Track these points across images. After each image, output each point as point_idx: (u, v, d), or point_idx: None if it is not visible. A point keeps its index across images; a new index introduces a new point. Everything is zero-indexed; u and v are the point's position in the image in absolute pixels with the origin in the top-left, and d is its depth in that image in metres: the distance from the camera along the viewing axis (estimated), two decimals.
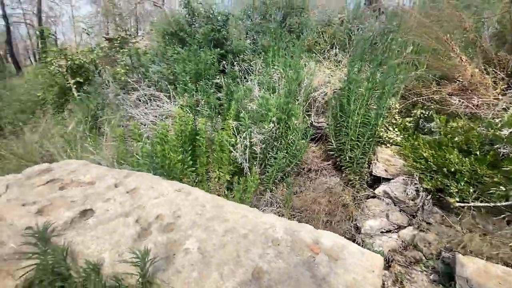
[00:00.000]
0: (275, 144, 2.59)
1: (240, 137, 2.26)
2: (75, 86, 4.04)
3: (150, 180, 1.49)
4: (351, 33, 4.05)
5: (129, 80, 4.30)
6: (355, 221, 2.15)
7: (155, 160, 1.73)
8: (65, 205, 1.21)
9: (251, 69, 3.74)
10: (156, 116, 3.87)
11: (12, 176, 1.38)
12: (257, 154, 2.40)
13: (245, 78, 3.66)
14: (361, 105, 2.43)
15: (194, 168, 2.28)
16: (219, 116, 3.11)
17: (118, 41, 5.65)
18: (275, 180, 2.49)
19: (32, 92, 4.99)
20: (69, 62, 3.98)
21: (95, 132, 2.82)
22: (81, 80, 4.11)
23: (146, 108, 4.03)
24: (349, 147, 2.55)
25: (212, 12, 3.95)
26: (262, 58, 3.85)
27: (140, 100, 4.18)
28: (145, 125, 3.71)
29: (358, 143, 2.47)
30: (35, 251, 1.07)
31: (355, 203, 2.34)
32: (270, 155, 2.52)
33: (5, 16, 14.08)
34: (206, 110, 3.19)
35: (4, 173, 2.81)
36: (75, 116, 3.53)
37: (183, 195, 1.39)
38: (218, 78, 3.44)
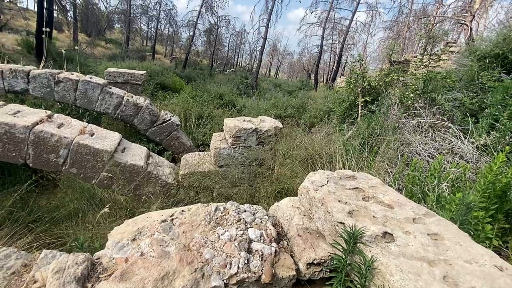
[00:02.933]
0: None
1: None
2: (362, 104, 4.59)
3: (455, 233, 1.24)
4: None
5: (414, 104, 4.12)
6: None
7: (458, 210, 1.43)
8: (368, 217, 1.32)
9: None
10: (436, 149, 3.39)
11: (330, 172, 1.75)
12: None
13: None
14: None
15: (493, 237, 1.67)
16: None
17: (403, 64, 5.55)
18: None
19: (326, 104, 6.43)
20: (365, 84, 4.57)
21: (375, 149, 2.99)
22: (369, 99, 4.59)
23: (426, 137, 3.67)
24: None
25: None
26: None
27: (420, 127, 3.88)
28: (419, 155, 3.39)
29: None
30: (341, 244, 1.27)
31: None
32: None
33: (321, 46, 19.31)
34: None
35: (295, 159, 3.85)
36: (357, 129, 4.03)
37: (509, 279, 1.01)
38: None
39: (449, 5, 16.78)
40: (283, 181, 3.07)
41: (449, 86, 4.09)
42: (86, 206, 3.03)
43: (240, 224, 1.46)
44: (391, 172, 2.72)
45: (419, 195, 1.92)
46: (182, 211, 1.54)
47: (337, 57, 19.48)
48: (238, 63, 37.85)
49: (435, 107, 3.96)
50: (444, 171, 2.55)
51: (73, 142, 2.80)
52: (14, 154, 2.74)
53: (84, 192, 3.19)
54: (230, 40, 30.71)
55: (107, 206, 2.51)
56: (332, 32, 22.20)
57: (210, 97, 8.97)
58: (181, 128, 5.88)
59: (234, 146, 3.37)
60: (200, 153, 3.66)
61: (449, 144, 3.29)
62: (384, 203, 1.45)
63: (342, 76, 17.26)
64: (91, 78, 4.82)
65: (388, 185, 2.32)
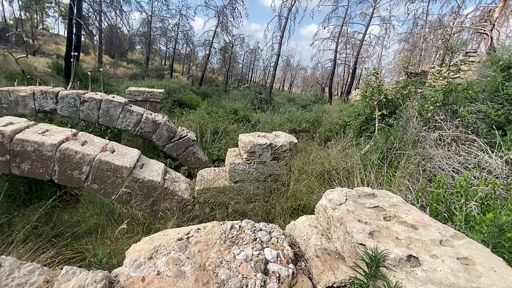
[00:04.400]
0: None
1: None
2: (379, 117, 4.50)
3: (488, 257, 1.15)
4: None
5: (435, 117, 3.98)
6: None
7: (490, 232, 1.33)
8: (390, 238, 1.26)
9: None
10: (461, 163, 3.23)
11: (348, 190, 1.70)
12: None
13: None
14: None
15: None
16: None
17: (420, 75, 5.43)
18: None
19: (342, 118, 6.35)
20: (381, 97, 4.49)
21: (394, 164, 2.88)
22: (386, 113, 4.49)
23: (449, 150, 3.51)
24: None
25: None
26: None
27: (442, 140, 3.72)
28: (443, 170, 3.24)
29: None
30: (362, 268, 1.20)
31: None
32: None
33: (334, 60, 19.34)
34: None
35: (310, 175, 3.78)
36: (375, 143, 3.92)
37: None
38: None
39: (467, 15, 16.46)
40: (299, 198, 3.01)
41: (471, 97, 3.94)
42: (106, 221, 3.11)
43: (256, 243, 1.43)
44: (412, 188, 2.60)
45: (445, 214, 1.81)
46: (198, 229, 1.54)
47: (351, 70, 19.43)
48: (252, 79, 38.62)
49: (457, 119, 3.81)
50: (471, 187, 2.41)
51: (95, 159, 2.91)
52: (41, 170, 2.88)
53: (104, 207, 3.28)
54: (244, 57, 31.59)
55: (126, 222, 2.56)
56: (346, 46, 22.28)
57: (225, 113, 9.14)
58: (197, 143, 5.99)
59: (249, 162, 3.38)
60: (216, 168, 3.69)
61: (475, 158, 3.12)
62: (407, 223, 1.37)
63: (357, 89, 17.11)
64: (113, 97, 5.07)
65: (411, 203, 2.21)
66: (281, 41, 16.91)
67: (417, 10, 18.40)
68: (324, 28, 19.47)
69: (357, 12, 19.61)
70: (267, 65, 26.68)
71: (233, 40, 23.22)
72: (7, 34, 17.50)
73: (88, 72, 6.95)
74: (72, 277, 1.34)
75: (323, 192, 1.78)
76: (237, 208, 3.10)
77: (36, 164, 2.85)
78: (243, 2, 19.36)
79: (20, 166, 2.85)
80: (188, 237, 1.47)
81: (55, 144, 2.84)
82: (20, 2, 27.33)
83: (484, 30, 11.04)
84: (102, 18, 18.56)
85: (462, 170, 3.04)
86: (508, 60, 3.44)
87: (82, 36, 16.48)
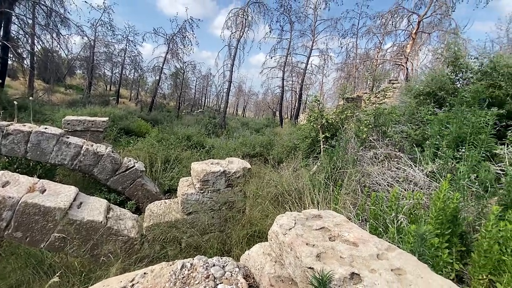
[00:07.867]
0: None
1: None
2: (323, 139, 4.90)
3: (416, 265, 1.30)
4: None
5: (369, 137, 4.49)
6: None
7: (415, 241, 1.53)
8: (335, 258, 1.34)
9: None
10: (393, 178, 3.65)
11: (296, 213, 1.78)
12: None
13: None
14: None
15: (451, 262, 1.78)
16: (494, 197, 2.32)
17: (356, 100, 6.14)
18: None
19: (292, 141, 6.73)
20: (323, 121, 4.94)
21: (339, 183, 3.13)
22: (328, 135, 4.92)
23: (383, 167, 3.95)
24: None
25: (494, 66, 3.23)
26: None
27: (376, 158, 4.19)
28: (379, 185, 3.61)
29: None
30: None
31: None
32: None
33: (282, 87, 20.74)
34: (470, 186, 2.52)
35: (265, 199, 3.86)
36: (321, 164, 4.22)
37: None
38: (500, 148, 2.63)
39: (387, 49, 19.62)
40: (255, 224, 3.01)
41: (395, 120, 4.58)
42: (32, 275, 2.63)
43: (208, 281, 1.38)
44: (355, 205, 2.84)
45: (381, 228, 2.01)
46: (144, 273, 1.42)
47: (297, 96, 21.02)
48: (206, 104, 38.69)
49: (387, 139, 4.36)
50: (403, 199, 2.73)
51: (20, 202, 2.51)
52: None
53: (30, 258, 2.79)
54: (197, 83, 31.74)
55: (58, 273, 2.20)
56: (291, 74, 24.20)
57: (177, 140, 8.87)
58: (146, 174, 5.63)
59: (202, 191, 3.30)
60: (166, 201, 3.50)
61: (403, 173, 3.57)
62: (349, 241, 1.49)
63: (304, 113, 18.43)
64: (46, 128, 4.54)
65: (354, 221, 2.40)
66: (232, 68, 17.58)
67: (348, 44, 21.25)
68: (271, 58, 20.97)
69: (299, 44, 21.74)
70: (219, 91, 27.17)
71: (184, 67, 23.28)
72: None
73: (15, 102, 6.12)
74: None
75: (275, 218, 1.83)
76: (190, 242, 2.94)
77: None
78: (193, 31, 19.82)
79: None
80: (133, 284, 1.35)
81: None
82: None
83: (401, 63, 13.22)
84: (36, 41, 16.91)
85: (394, 184, 3.44)
86: (418, 90, 4.16)
87: (10, 59, 14.68)
